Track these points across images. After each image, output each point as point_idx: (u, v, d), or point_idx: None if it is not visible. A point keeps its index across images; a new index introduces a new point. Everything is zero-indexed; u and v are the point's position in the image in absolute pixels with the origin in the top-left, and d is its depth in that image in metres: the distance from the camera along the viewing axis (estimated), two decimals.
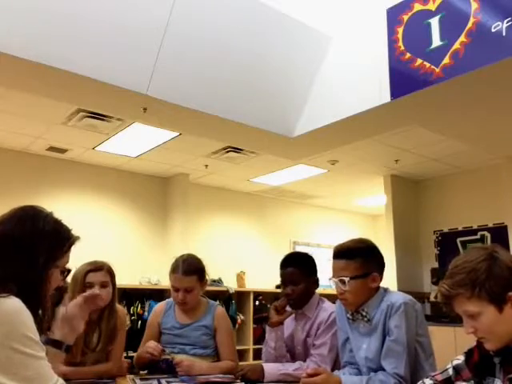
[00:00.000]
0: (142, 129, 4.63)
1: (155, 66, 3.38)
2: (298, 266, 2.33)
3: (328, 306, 2.34)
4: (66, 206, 5.52)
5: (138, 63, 3.33)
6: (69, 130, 4.74)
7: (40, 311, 1.24)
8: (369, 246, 1.97)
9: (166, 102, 3.53)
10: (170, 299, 2.54)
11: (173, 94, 3.52)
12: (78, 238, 1.38)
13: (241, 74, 3.78)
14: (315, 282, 2.37)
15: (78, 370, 2.14)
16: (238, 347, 6.00)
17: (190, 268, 2.40)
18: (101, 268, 2.27)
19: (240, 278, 6.60)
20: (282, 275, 2.36)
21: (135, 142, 5.11)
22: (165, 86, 3.48)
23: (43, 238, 1.28)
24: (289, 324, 2.39)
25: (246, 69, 3.79)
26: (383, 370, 1.82)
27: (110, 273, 2.30)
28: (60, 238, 1.33)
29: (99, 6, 3.10)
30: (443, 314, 5.21)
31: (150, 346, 2.29)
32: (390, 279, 5.62)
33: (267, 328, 2.34)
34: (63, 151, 5.43)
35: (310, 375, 1.79)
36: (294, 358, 2.33)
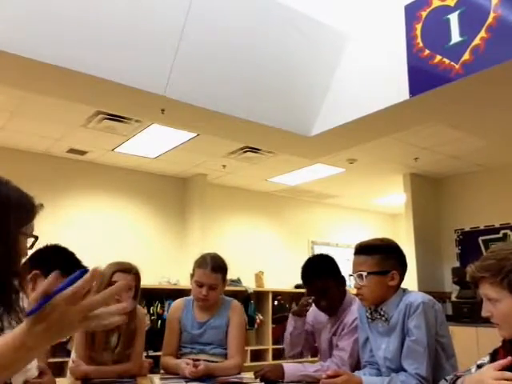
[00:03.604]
0: (160, 130, 4.67)
1: (172, 67, 3.40)
2: (321, 276, 2.27)
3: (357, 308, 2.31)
4: (86, 207, 5.60)
5: (155, 65, 3.36)
6: (88, 132, 4.81)
7: (16, 282, 1.17)
8: (389, 244, 1.97)
9: (183, 103, 3.55)
10: (188, 297, 2.55)
11: (190, 94, 3.54)
12: (41, 205, 1.32)
13: (258, 73, 3.78)
14: (342, 283, 2.33)
15: (99, 369, 2.17)
16: (257, 347, 6.09)
17: (217, 265, 2.41)
18: (129, 270, 2.30)
19: (258, 277, 6.60)
20: (308, 290, 2.32)
21: (154, 143, 5.15)
22: (182, 87, 3.50)
23: (9, 205, 1.20)
24: (323, 320, 2.38)
25: (263, 68, 3.79)
26: (403, 370, 1.80)
27: (137, 277, 2.33)
28: (26, 206, 1.25)
29: (116, 10, 3.14)
30: (465, 314, 5.13)
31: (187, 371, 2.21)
32: (410, 279, 5.54)
33: (290, 314, 2.45)
34: (83, 153, 5.51)
35: (331, 376, 1.79)
36: (319, 354, 2.37)
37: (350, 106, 3.88)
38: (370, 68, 3.80)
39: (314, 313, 2.46)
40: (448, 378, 1.46)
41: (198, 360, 2.26)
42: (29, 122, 4.63)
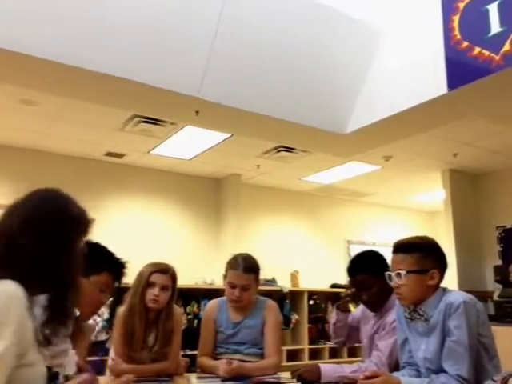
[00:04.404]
0: (194, 131, 4.71)
1: (206, 69, 3.42)
2: (367, 270, 2.25)
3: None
4: (123, 209, 5.72)
5: (189, 66, 3.39)
6: (125, 135, 4.91)
7: (71, 294, 1.24)
8: (429, 242, 1.92)
9: (217, 104, 3.57)
10: (223, 298, 2.56)
11: (224, 95, 3.56)
12: (94, 220, 1.36)
13: (291, 72, 3.76)
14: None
15: (137, 367, 2.21)
16: (293, 347, 6.06)
17: (249, 266, 2.42)
18: (166, 271, 2.33)
19: (294, 277, 6.57)
20: (353, 283, 2.32)
21: (188, 144, 5.21)
22: (216, 88, 3.52)
23: (72, 220, 1.28)
24: (369, 316, 2.36)
25: (296, 67, 3.77)
26: (443, 371, 1.76)
27: (173, 278, 2.36)
28: (85, 220, 1.32)
29: (150, 12, 3.19)
30: (508, 314, 4.96)
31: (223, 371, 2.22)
32: (450, 278, 5.38)
33: (334, 307, 2.57)
34: (120, 156, 5.63)
35: (369, 377, 1.76)
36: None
37: (386, 103, 3.82)
38: (405, 63, 3.73)
39: (362, 309, 2.44)
40: (497, 377, 1.41)
41: (232, 359, 2.26)
42: (68, 128, 4.77)
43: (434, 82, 3.40)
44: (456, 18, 3.31)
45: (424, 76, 3.52)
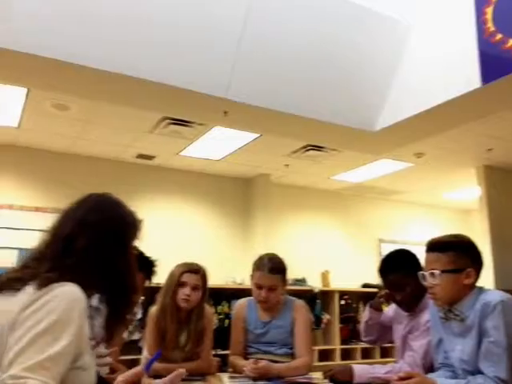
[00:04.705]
0: (223, 132, 4.74)
1: (234, 69, 3.43)
2: (400, 270, 2.21)
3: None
4: (155, 210, 5.80)
5: (216, 67, 3.41)
6: (155, 137, 4.98)
7: (130, 297, 1.27)
8: (463, 240, 1.87)
9: (245, 104, 3.58)
10: (251, 297, 2.54)
11: (252, 95, 3.56)
12: (143, 221, 1.40)
13: (319, 71, 3.73)
14: None
15: (169, 366, 2.22)
16: (324, 347, 6.01)
17: (275, 267, 2.40)
18: (197, 271, 2.35)
19: (324, 277, 6.52)
20: (386, 283, 2.28)
21: (217, 145, 5.24)
22: (244, 89, 3.52)
23: (126, 224, 1.32)
24: (402, 316, 2.33)
25: (325, 65, 3.74)
26: (481, 372, 1.71)
27: (204, 278, 2.37)
28: (135, 223, 1.36)
29: (176, 15, 3.21)
30: None
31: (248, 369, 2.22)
32: (485, 278, 5.25)
33: (368, 305, 2.55)
34: (151, 158, 5.71)
35: (403, 378, 1.72)
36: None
37: (417, 98, 3.75)
38: (436, 58, 3.65)
39: (394, 308, 2.41)
40: None
41: (262, 359, 2.25)
42: (100, 131, 4.87)
43: (467, 77, 3.32)
44: (489, 10, 3.22)
45: (456, 70, 3.44)
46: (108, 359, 1.67)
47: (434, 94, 3.60)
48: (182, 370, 1.00)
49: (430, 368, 2.06)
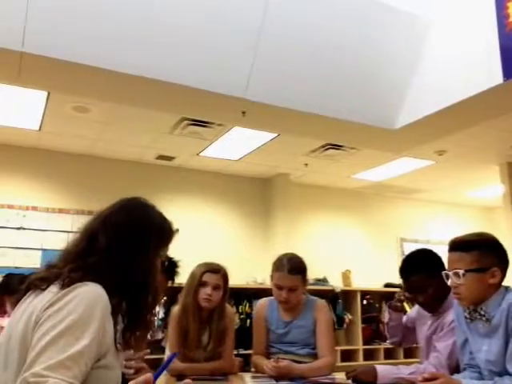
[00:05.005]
0: (242, 132, 4.75)
1: (251, 69, 3.43)
2: (422, 271, 2.17)
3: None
4: (175, 211, 5.82)
5: (234, 67, 3.41)
6: (175, 138, 5.01)
7: (150, 298, 1.28)
8: (488, 239, 1.83)
9: (263, 104, 3.57)
10: (272, 297, 2.53)
11: (270, 95, 3.56)
12: (178, 230, 1.41)
13: (337, 69, 3.71)
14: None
15: (192, 366, 2.25)
16: (347, 347, 5.98)
17: (295, 267, 2.39)
18: (218, 271, 2.37)
19: (346, 276, 6.48)
20: (407, 285, 2.25)
21: (236, 145, 5.25)
22: (262, 88, 3.52)
23: (152, 228, 1.33)
24: (425, 316, 2.30)
25: (343, 63, 3.71)
26: (508, 373, 1.68)
27: (225, 277, 2.39)
28: (166, 230, 1.37)
29: (194, 16, 3.22)
30: None
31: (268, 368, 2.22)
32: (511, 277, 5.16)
33: (387, 306, 2.59)
34: (171, 159, 5.76)
35: (428, 379, 1.70)
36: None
37: (437, 95, 3.69)
38: (456, 54, 3.59)
39: (417, 309, 2.38)
40: None
41: (283, 359, 2.25)
42: (119, 133, 4.93)
43: (488, 72, 3.26)
44: (510, 5, 3.15)
45: (477, 66, 3.37)
46: (133, 363, 1.69)
47: (454, 91, 3.54)
48: (188, 381, 1.01)
49: (455, 369, 2.02)
